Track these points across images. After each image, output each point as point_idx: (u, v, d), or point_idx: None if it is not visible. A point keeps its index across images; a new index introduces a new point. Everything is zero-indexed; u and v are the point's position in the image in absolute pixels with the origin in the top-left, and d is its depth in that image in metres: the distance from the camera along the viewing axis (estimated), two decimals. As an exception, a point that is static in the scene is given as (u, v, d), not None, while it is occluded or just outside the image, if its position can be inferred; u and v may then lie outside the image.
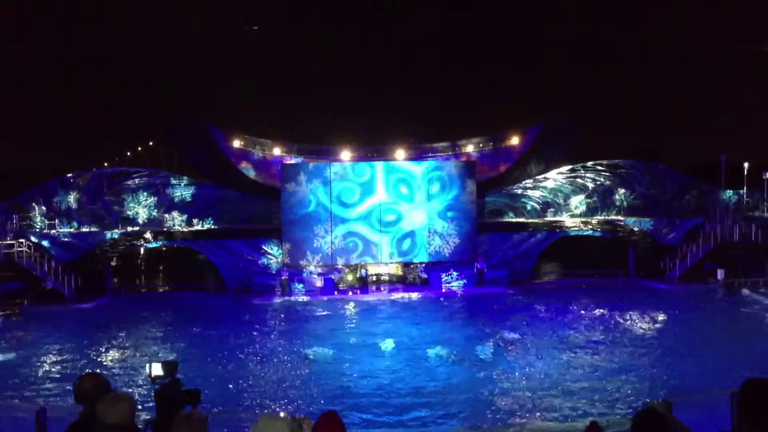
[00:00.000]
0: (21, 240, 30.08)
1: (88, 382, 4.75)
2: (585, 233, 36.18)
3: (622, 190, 36.44)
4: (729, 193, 35.56)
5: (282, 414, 3.76)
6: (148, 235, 33.72)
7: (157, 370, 4.92)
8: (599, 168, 36.28)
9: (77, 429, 4.55)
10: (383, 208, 33.90)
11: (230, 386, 16.45)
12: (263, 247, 34.37)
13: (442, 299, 30.95)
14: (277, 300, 31.31)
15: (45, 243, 31.21)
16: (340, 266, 34.21)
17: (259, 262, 34.36)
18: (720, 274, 32.41)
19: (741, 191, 35.95)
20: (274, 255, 34.21)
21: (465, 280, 33.98)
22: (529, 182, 37.08)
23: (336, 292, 32.56)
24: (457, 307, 29.07)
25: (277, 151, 38.82)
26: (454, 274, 34.06)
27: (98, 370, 18.48)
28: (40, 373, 18.59)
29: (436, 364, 19.01)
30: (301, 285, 33.48)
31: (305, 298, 31.57)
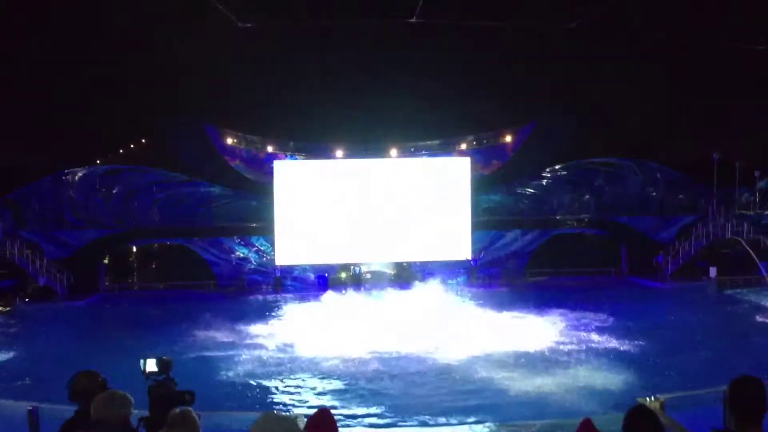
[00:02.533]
0: (13, 237, 29.95)
1: (83, 379, 4.71)
2: (578, 231, 36.28)
3: (615, 188, 36.54)
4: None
5: (281, 412, 3.73)
6: (140, 233, 33.65)
7: (151, 366, 4.91)
8: (593, 166, 36.38)
9: (72, 427, 4.51)
10: (377, 205, 33.87)
11: (224, 384, 16.44)
12: (256, 244, 34.33)
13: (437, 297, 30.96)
14: (270, 297, 31.28)
15: (38, 240, 31.08)
16: (333, 264, 34.18)
17: (253, 259, 34.32)
18: (712, 272, 32.58)
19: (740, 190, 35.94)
20: (267, 253, 34.16)
21: (461, 278, 34.03)
22: (523, 180, 37.13)
23: (329, 290, 32.55)
24: (452, 303, 29.06)
25: (271, 148, 38.76)
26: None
27: (91, 368, 18.35)
28: (32, 372, 18.51)
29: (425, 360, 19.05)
30: (294, 283, 33.45)
31: (298, 296, 31.55)
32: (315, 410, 3.98)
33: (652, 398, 6.54)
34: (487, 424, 12.98)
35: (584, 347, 20.20)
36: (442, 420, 13.89)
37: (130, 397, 4.33)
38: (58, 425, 4.60)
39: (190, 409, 4.66)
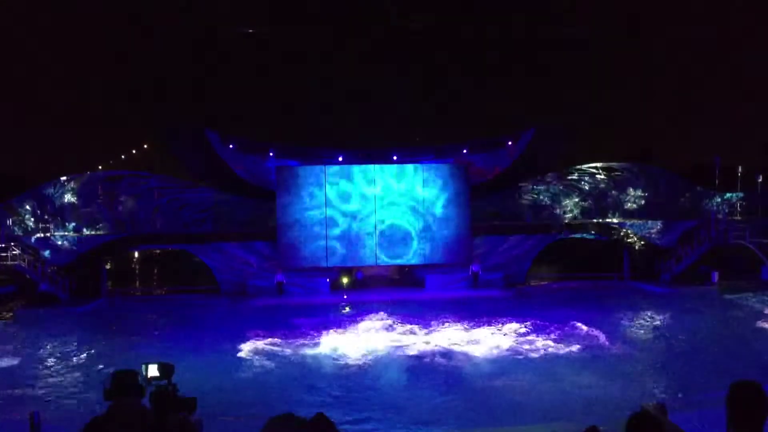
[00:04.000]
0: (14, 243, 29.95)
1: (124, 378, 4.72)
2: (580, 236, 36.23)
3: (616, 193, 36.52)
4: (730, 195, 35.25)
5: (289, 417, 3.70)
6: (142, 238, 33.66)
7: (153, 371, 4.90)
8: (594, 171, 36.36)
9: (99, 426, 4.50)
10: (378, 210, 33.90)
11: (225, 390, 16.41)
12: (258, 249, 34.32)
13: (438, 301, 30.98)
14: (272, 303, 31.25)
15: (39, 246, 31.08)
16: (334, 269, 34.21)
17: (254, 264, 34.30)
18: (714, 276, 32.54)
19: (737, 194, 35.97)
20: (269, 257, 34.15)
21: (468, 282, 34.02)
22: (524, 185, 37.13)
23: (331, 295, 32.59)
24: (454, 308, 29.03)
25: (272, 153, 38.77)
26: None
27: (91, 373, 18.49)
28: (33, 377, 18.51)
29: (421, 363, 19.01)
30: (295, 287, 33.46)
31: (299, 301, 31.54)
32: (313, 415, 3.95)
33: (655, 403, 6.53)
34: (494, 429, 12.96)
35: (586, 353, 20.14)
36: (445, 425, 13.86)
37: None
38: (59, 429, 4.58)
39: (191, 415, 4.66)
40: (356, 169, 34.19)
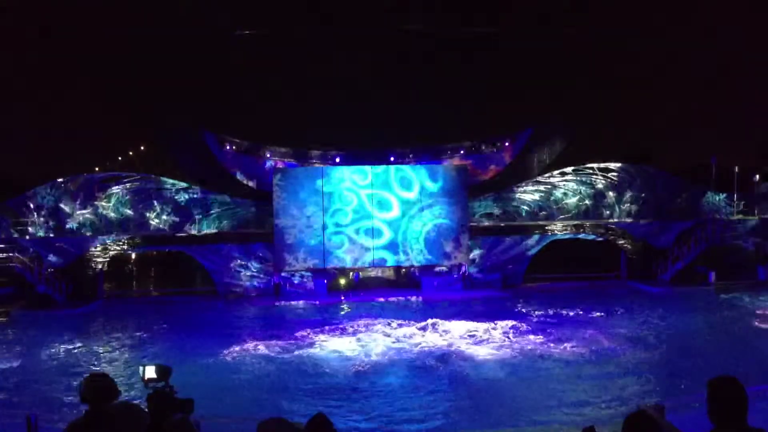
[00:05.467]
0: (12, 245, 29.86)
1: (96, 381, 4.72)
2: (577, 237, 36.22)
3: (613, 194, 36.50)
4: (719, 197, 35.16)
5: (280, 419, 3.70)
6: (139, 240, 33.57)
7: (150, 372, 4.88)
8: (591, 171, 36.33)
9: (81, 427, 4.49)
10: (375, 211, 33.86)
11: (223, 391, 16.38)
12: (256, 251, 34.28)
13: (434, 301, 30.99)
14: (269, 304, 31.22)
15: (37, 248, 30.99)
16: (332, 270, 34.16)
17: (252, 266, 34.25)
18: (711, 276, 32.57)
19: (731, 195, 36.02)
20: (266, 259, 34.11)
21: (461, 283, 34.03)
22: (521, 186, 37.09)
23: (328, 296, 32.58)
24: (452, 309, 29.03)
25: (269, 155, 38.75)
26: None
27: (85, 375, 18.36)
28: (30, 378, 18.46)
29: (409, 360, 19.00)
30: (293, 289, 33.41)
31: (297, 302, 31.52)
32: (311, 416, 3.95)
33: (652, 403, 6.55)
34: (494, 429, 12.95)
35: (584, 352, 20.14)
36: (446, 425, 13.86)
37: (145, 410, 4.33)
38: (55, 431, 4.57)
39: (189, 416, 4.65)
40: (353, 170, 34.16)
